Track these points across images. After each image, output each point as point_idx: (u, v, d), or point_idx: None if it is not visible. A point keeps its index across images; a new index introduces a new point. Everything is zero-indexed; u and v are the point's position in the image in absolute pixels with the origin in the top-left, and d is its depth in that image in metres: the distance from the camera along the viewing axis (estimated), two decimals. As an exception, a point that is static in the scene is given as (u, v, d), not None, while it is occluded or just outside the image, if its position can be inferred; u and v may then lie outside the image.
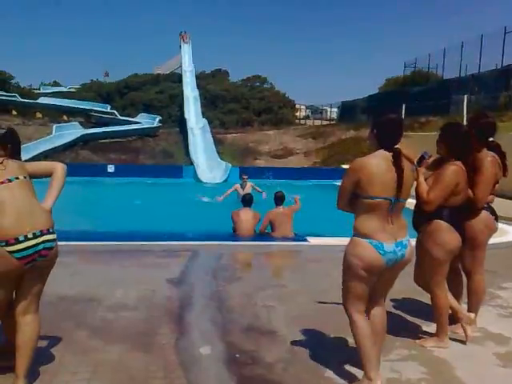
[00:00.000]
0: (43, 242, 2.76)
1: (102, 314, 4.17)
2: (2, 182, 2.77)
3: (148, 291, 4.81)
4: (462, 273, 4.03)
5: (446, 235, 3.49)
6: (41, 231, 2.76)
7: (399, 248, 2.92)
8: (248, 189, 12.82)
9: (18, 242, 2.66)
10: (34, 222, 2.75)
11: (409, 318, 4.29)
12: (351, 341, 3.60)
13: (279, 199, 8.43)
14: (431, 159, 3.62)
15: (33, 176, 2.97)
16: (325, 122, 40.53)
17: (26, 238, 2.69)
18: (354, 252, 2.91)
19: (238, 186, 13.44)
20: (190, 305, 4.49)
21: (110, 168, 20.69)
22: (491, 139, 3.88)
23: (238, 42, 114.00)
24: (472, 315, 3.71)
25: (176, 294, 4.79)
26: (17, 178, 2.83)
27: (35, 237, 2.72)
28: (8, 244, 2.63)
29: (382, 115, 3.05)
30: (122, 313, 4.22)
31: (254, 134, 31.14)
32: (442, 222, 3.50)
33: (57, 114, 33.37)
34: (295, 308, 4.47)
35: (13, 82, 37.79)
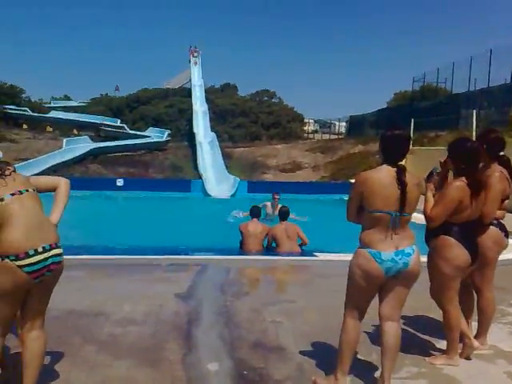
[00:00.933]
0: (52, 256, 2.75)
1: (110, 329, 4.16)
2: (14, 194, 2.74)
3: (156, 306, 4.80)
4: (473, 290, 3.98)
5: (454, 251, 3.46)
6: (50, 245, 2.75)
7: (400, 256, 2.93)
8: (277, 209, 12.35)
9: (28, 256, 2.64)
10: (43, 236, 2.74)
11: (420, 334, 4.24)
12: (360, 357, 3.58)
13: (283, 214, 8.42)
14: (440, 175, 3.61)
15: (36, 190, 2.96)
16: (333, 137, 40.53)
17: (37, 252, 2.67)
18: (354, 261, 3.03)
19: (268, 203, 12.90)
20: (198, 320, 4.47)
21: (119, 182, 20.80)
22: (502, 153, 3.86)
23: (247, 56, 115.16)
24: (476, 344, 3.65)
25: (184, 308, 4.77)
26: (27, 191, 2.82)
27: (45, 251, 2.71)
28: (18, 258, 2.62)
29: (388, 130, 3.09)
30: (130, 328, 4.21)
31: (263, 148, 31.23)
32: (449, 237, 3.47)
33: (67, 128, 33.73)
34: (304, 324, 4.44)
35: (24, 96, 38.31)
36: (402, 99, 35.08)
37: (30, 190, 2.86)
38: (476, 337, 3.84)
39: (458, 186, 3.41)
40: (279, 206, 12.74)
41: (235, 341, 3.99)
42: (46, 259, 2.71)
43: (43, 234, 2.76)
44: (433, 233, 3.55)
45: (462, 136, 3.84)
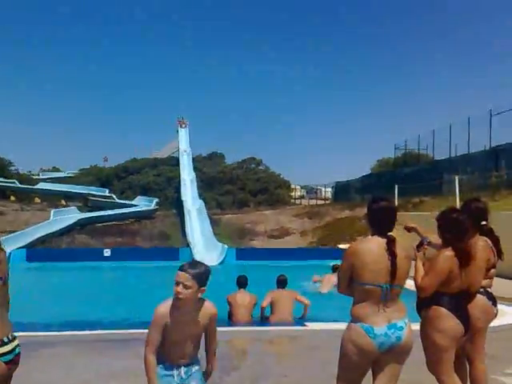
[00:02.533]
0: (16, 346, 2.55)
1: (96, 410, 4.03)
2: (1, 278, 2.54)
3: (143, 384, 4.66)
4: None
5: (447, 322, 3.43)
6: (12, 336, 2.55)
7: (392, 330, 2.90)
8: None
9: (3, 343, 2.45)
10: (8, 325, 2.56)
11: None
12: None
13: (281, 283, 8.37)
14: (430, 245, 3.68)
15: None
16: (320, 202, 41.04)
17: (9, 340, 2.49)
18: (347, 336, 2.98)
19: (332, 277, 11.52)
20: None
21: (106, 252, 20.65)
22: (484, 223, 3.95)
23: (233, 125, 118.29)
24: None
25: (172, 386, 4.64)
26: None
27: (9, 341, 2.50)
28: None
29: (374, 202, 3.13)
30: (117, 408, 4.07)
31: (251, 214, 31.44)
32: (441, 308, 3.46)
33: (55, 199, 33.83)
34: (295, 399, 4.33)
35: (12, 168, 38.60)
36: (385, 165, 36.01)
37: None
38: None
39: (446, 256, 3.42)
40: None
41: (225, 420, 3.87)
42: (14, 349, 2.52)
43: (7, 322, 2.57)
44: (424, 303, 3.54)
45: (449, 206, 3.91)
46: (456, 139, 26.80)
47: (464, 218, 3.57)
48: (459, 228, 3.50)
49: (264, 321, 8.14)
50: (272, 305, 8.13)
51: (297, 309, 8.30)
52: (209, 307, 2.98)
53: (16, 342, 2.56)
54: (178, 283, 2.80)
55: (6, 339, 2.48)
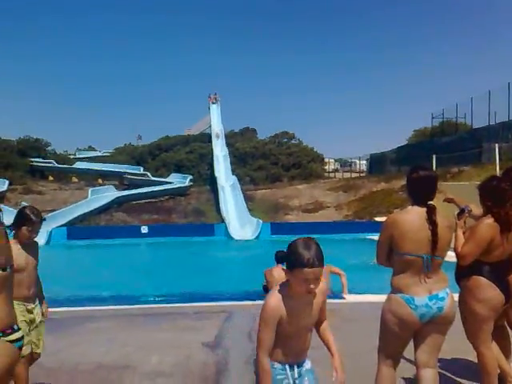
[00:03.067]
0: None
1: (138, 382, 4.11)
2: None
3: (183, 356, 4.73)
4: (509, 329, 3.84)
5: (487, 292, 3.36)
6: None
7: (434, 301, 2.84)
8: None
9: (14, 330, 2.29)
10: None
11: (457, 378, 4.07)
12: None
13: None
14: (471, 213, 3.58)
15: None
16: (354, 175, 40.52)
17: (18, 328, 2.33)
18: (387, 307, 2.94)
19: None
20: (227, 370, 4.39)
21: (144, 229, 21.03)
22: None
23: (265, 100, 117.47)
24: None
25: (212, 358, 4.70)
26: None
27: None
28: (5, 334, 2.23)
29: (414, 172, 3.02)
30: (158, 380, 4.15)
31: (284, 189, 31.34)
32: (481, 278, 3.39)
33: (92, 178, 34.53)
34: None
35: (49, 148, 39.50)
36: (422, 136, 35.09)
37: None
38: None
39: (488, 224, 3.36)
40: None
41: (266, 391, 3.88)
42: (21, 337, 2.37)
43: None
44: (464, 272, 3.47)
45: (491, 175, 3.79)
46: (495, 107, 25.89)
47: (505, 185, 3.51)
48: (500, 195, 3.44)
49: None
50: None
51: (335, 283, 8.25)
52: (320, 284, 2.39)
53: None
54: (309, 280, 2.27)
55: (15, 327, 2.30)
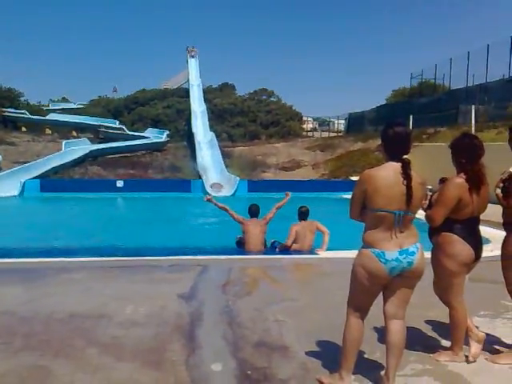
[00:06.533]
0: None
1: (113, 331, 4.15)
2: None
3: (158, 307, 4.78)
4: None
5: (457, 247, 3.44)
6: None
7: (404, 256, 2.89)
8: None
9: None
10: None
11: (424, 331, 4.22)
12: (365, 355, 3.57)
13: (303, 214, 8.41)
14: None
15: None
16: (332, 134, 40.55)
17: None
18: (358, 261, 3.00)
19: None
20: (201, 321, 4.45)
21: (119, 183, 20.80)
22: None
23: (245, 56, 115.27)
24: (481, 334, 3.62)
25: (186, 309, 4.75)
26: None
27: None
28: None
29: (389, 128, 3.02)
30: (133, 329, 4.19)
31: (262, 146, 31.23)
32: (452, 234, 3.46)
33: (66, 130, 33.78)
34: (307, 323, 4.42)
35: (22, 99, 38.33)
36: (401, 96, 35.14)
37: None
38: None
39: (455, 184, 3.41)
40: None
41: (238, 341, 3.97)
42: None
43: None
44: (436, 229, 3.54)
45: (463, 132, 3.81)
46: (474, 69, 25.92)
47: (478, 141, 3.55)
48: (474, 152, 3.48)
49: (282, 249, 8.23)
50: (296, 236, 8.22)
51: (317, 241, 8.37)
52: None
53: None
54: None
55: None
